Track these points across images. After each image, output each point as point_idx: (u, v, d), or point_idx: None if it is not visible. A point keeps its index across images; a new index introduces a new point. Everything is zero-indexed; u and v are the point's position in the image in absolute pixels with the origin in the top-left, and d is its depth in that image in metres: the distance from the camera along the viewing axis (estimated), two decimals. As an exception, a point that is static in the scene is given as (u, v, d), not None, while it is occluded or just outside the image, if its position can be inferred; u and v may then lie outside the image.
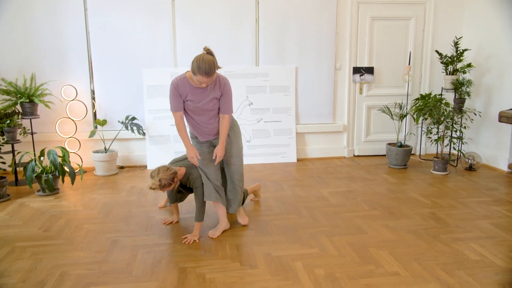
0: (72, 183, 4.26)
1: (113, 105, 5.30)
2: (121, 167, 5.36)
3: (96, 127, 5.31)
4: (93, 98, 5.28)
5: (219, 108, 3.17)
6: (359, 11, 5.55)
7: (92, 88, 5.25)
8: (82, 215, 3.76)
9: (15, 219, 3.66)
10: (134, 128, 5.10)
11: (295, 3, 5.38)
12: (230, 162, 3.34)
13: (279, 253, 2.99)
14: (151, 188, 3.03)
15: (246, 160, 5.38)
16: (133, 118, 5.14)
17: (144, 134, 5.18)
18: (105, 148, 5.13)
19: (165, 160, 5.25)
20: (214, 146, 3.31)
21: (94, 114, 5.32)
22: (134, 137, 5.35)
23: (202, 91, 3.05)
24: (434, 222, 3.53)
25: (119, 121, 5.18)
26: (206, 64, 2.82)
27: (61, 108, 5.12)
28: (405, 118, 5.42)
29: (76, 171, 4.93)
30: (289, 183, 4.69)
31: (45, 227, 3.47)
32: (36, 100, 4.59)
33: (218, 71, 3.10)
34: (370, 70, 5.69)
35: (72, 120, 5.12)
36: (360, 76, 5.70)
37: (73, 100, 5.09)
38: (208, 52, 2.94)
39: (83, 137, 5.23)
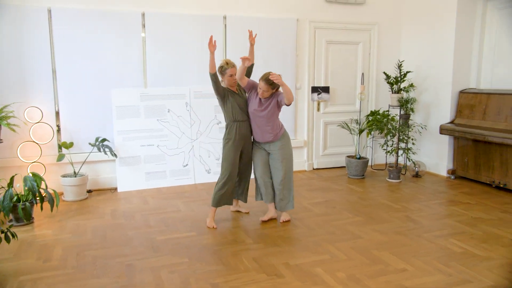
0: (52, 210, 4.04)
1: (79, 126, 5.11)
2: (89, 191, 5.14)
3: (61, 150, 5.05)
4: (57, 121, 5.03)
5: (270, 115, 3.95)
6: (316, 36, 6.06)
7: (56, 110, 5.01)
8: (76, 241, 3.61)
9: (1, 253, 3.38)
10: (107, 150, 4.96)
11: (260, 26, 5.70)
12: (276, 166, 3.98)
13: (295, 261, 3.21)
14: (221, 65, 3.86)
15: (213, 178, 5.50)
16: (104, 140, 5.00)
17: (116, 155, 5.06)
18: (74, 172, 4.91)
19: (137, 182, 5.19)
20: (267, 152, 4.05)
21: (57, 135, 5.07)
22: (102, 159, 5.18)
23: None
24: (412, 224, 4.02)
25: (90, 143, 5.00)
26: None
27: (22, 131, 4.79)
28: (363, 132, 5.99)
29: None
30: (268, 197, 4.92)
31: (43, 258, 3.28)
32: (2, 124, 4.28)
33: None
34: (326, 89, 6.21)
35: (37, 143, 4.82)
36: (318, 95, 6.18)
37: (38, 122, 4.81)
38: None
39: (48, 161, 4.94)
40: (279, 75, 3.62)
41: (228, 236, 3.74)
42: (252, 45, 3.92)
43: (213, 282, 2.89)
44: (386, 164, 6.28)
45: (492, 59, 5.58)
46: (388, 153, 5.85)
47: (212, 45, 3.66)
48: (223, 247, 3.48)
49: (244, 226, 3.97)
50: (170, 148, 5.44)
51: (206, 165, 5.60)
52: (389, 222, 4.07)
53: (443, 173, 5.90)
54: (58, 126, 5.05)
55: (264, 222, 4.06)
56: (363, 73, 6.21)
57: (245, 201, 4.28)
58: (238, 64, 3.90)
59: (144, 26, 5.22)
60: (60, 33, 4.89)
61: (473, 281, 2.91)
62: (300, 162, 6.27)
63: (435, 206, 4.56)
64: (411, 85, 5.92)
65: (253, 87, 3.93)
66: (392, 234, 3.75)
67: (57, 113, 5.03)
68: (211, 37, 3.69)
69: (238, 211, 4.36)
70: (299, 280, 2.91)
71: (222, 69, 3.85)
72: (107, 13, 5.04)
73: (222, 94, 3.88)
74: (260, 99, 3.90)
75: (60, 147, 5.05)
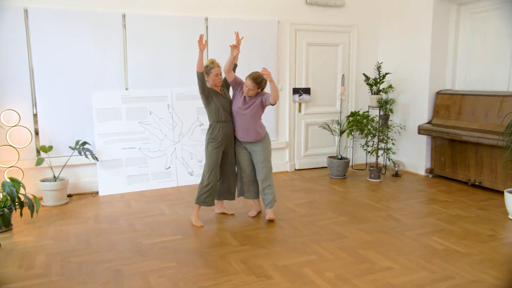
0: (32, 215, 3.93)
1: (58, 129, 4.99)
2: (69, 195, 5.03)
3: (39, 154, 4.92)
4: (35, 124, 4.91)
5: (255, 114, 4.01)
6: (297, 38, 6.11)
7: (34, 112, 4.88)
8: (60, 248, 3.53)
9: (-19, 261, 3.29)
10: (88, 153, 4.86)
11: (242, 28, 5.67)
12: (257, 167, 4.07)
13: (283, 262, 3.23)
14: (206, 65, 3.88)
15: (196, 180, 5.48)
16: (84, 143, 4.90)
17: (97, 159, 4.97)
18: (54, 176, 4.79)
19: (118, 185, 5.12)
20: (249, 152, 4.12)
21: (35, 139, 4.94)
22: (83, 163, 5.08)
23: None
24: (394, 223, 4.11)
25: (70, 147, 4.90)
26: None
27: (-1, 135, 4.65)
28: (343, 133, 6.08)
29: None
30: (252, 198, 4.93)
31: (25, 265, 3.20)
32: (-22, 127, 4.15)
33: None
34: (307, 91, 6.27)
35: (14, 147, 4.68)
36: (299, 96, 6.24)
37: (15, 126, 4.68)
38: None
39: (26, 165, 4.81)
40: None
41: (214, 238, 3.74)
42: (238, 45, 3.95)
43: (203, 285, 2.88)
44: (366, 164, 6.40)
45: (466, 61, 5.76)
46: (369, 153, 5.96)
47: (202, 43, 3.68)
48: (210, 250, 3.48)
49: (230, 228, 3.98)
50: (152, 151, 5.39)
51: (189, 167, 5.57)
52: (373, 221, 4.15)
53: (422, 172, 6.05)
54: (36, 129, 4.92)
55: (251, 221, 4.08)
56: (343, 75, 6.31)
57: (234, 198, 4.31)
58: (222, 64, 3.95)
59: (125, 27, 5.15)
60: (37, 34, 4.77)
61: (455, 277, 3.01)
62: (282, 163, 6.31)
63: (415, 205, 4.68)
64: (390, 86, 6.05)
65: (239, 84, 3.98)
66: (376, 233, 3.83)
67: (35, 116, 4.90)
68: (202, 35, 3.72)
69: (223, 213, 4.36)
70: (289, 281, 2.94)
71: (208, 69, 3.88)
72: (87, 13, 4.95)
73: (207, 94, 3.90)
74: (244, 97, 3.95)
75: (38, 151, 4.92)
